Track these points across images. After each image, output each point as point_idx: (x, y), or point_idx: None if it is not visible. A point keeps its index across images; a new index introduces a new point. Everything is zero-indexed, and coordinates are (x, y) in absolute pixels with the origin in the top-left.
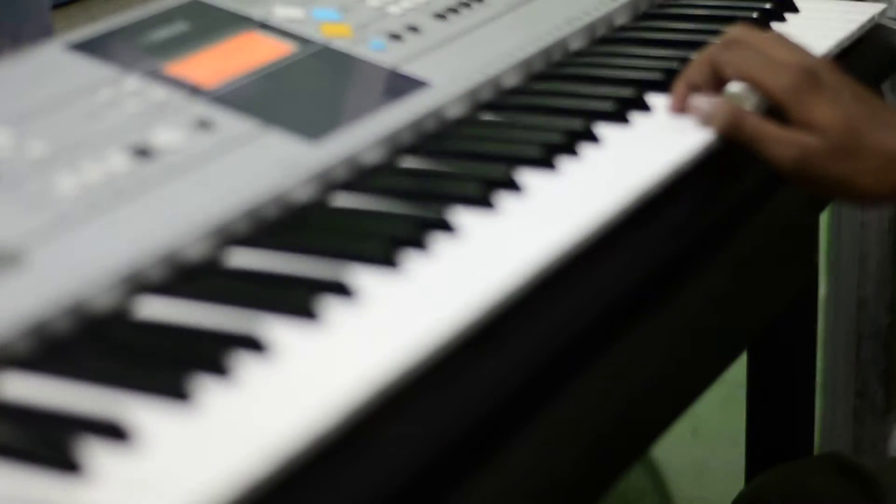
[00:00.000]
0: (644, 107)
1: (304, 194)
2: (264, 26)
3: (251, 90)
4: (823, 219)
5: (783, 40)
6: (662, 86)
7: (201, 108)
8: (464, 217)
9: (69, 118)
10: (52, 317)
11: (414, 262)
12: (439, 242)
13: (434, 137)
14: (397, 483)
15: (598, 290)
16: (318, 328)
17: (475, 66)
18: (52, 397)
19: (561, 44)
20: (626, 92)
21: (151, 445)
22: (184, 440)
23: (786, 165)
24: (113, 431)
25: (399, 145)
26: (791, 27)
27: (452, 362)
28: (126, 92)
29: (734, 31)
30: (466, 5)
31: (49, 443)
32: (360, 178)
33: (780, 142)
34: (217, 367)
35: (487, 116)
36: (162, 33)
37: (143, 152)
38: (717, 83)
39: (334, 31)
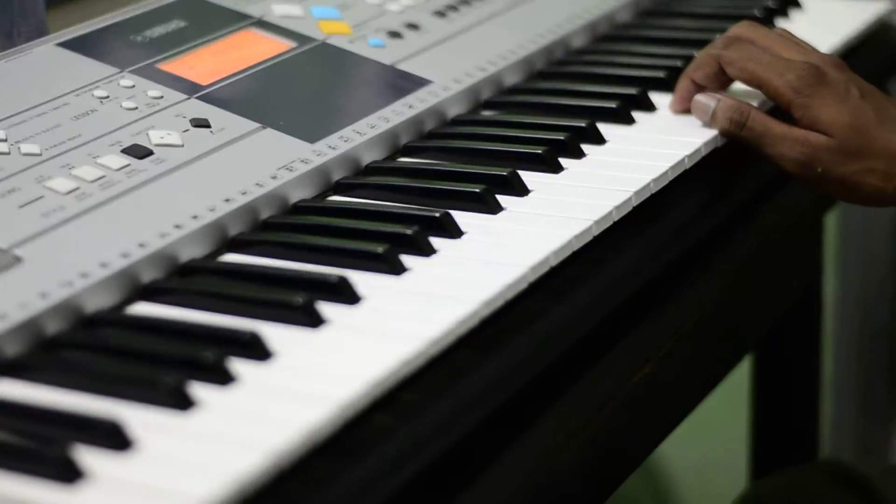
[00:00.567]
0: (647, 105)
1: (301, 193)
2: (262, 24)
3: (248, 88)
4: (832, 220)
5: (788, 37)
6: (665, 84)
7: (197, 107)
8: (464, 217)
9: (64, 116)
10: (46, 316)
11: (413, 263)
12: (438, 243)
13: (434, 136)
14: (394, 488)
15: (600, 290)
16: (315, 333)
17: (476, 65)
18: (45, 399)
19: (563, 42)
20: (629, 90)
21: (146, 449)
22: (179, 445)
23: (791, 165)
24: (108, 434)
25: (398, 144)
26: (798, 26)
27: (450, 364)
28: (121, 90)
29: (738, 28)
30: (467, 3)
31: (43, 447)
32: (359, 177)
33: (786, 141)
34: (213, 371)
35: (488, 115)
36: (157, 31)
37: (138, 151)
38: (720, 81)
39: (333, 29)
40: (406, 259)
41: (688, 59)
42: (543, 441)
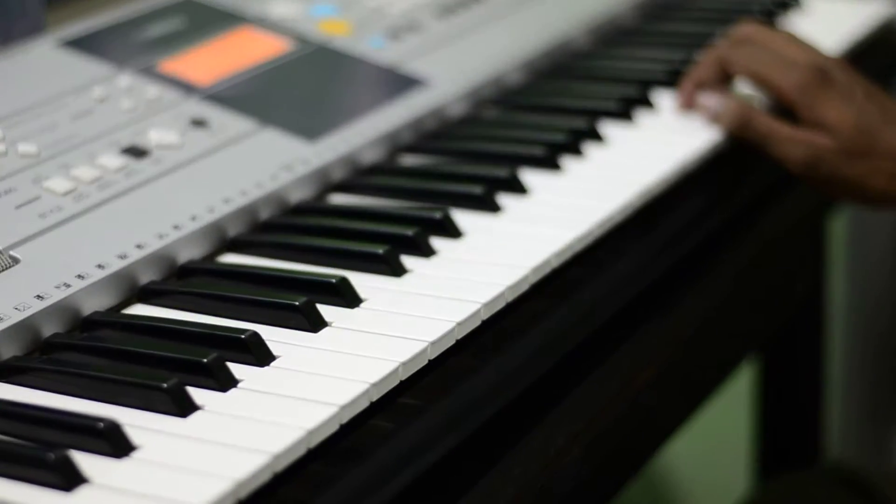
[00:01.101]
0: (650, 105)
1: (301, 194)
2: (261, 23)
3: (247, 88)
4: (839, 223)
5: (793, 38)
6: (669, 84)
7: (196, 107)
8: (464, 217)
9: (62, 116)
10: (43, 318)
11: (413, 264)
12: (439, 244)
13: (435, 136)
14: (393, 492)
15: (601, 292)
16: (315, 335)
17: (477, 65)
18: (42, 402)
19: (565, 42)
20: (632, 90)
21: (144, 454)
22: (177, 449)
23: (796, 165)
24: (106, 439)
25: (398, 144)
26: (802, 27)
27: (450, 366)
28: (119, 90)
29: (743, 28)
30: (467, 3)
31: (41, 452)
32: (358, 177)
33: (791, 141)
34: (212, 374)
35: (490, 115)
36: (156, 30)
37: (136, 151)
38: (725, 81)
39: (332, 28)
40: (406, 260)
41: (691, 60)
42: (545, 445)
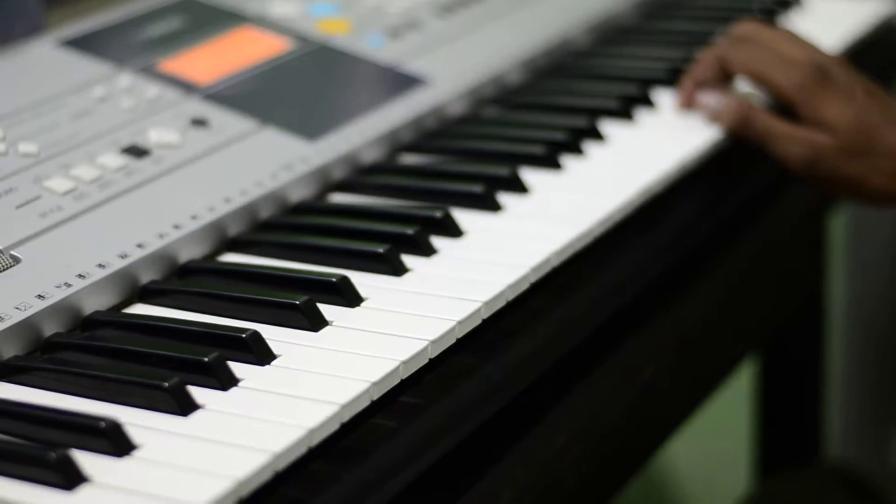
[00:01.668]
0: (650, 104)
1: (301, 193)
2: (260, 22)
3: (247, 87)
4: (839, 222)
5: (793, 36)
6: (669, 83)
7: (196, 106)
8: (465, 216)
9: (62, 116)
10: (44, 318)
11: (414, 263)
12: (439, 243)
13: (435, 135)
14: (394, 491)
15: (602, 291)
16: (316, 334)
17: (477, 64)
18: (43, 402)
19: (565, 41)
20: (632, 89)
21: (145, 453)
22: (178, 449)
23: (796, 164)
24: (107, 438)
25: (399, 143)
26: (801, 25)
27: (451, 365)
28: (119, 89)
29: (743, 26)
30: (467, 2)
31: (42, 451)
32: (358, 176)
33: (791, 140)
34: (212, 373)
35: (490, 114)
36: (156, 30)
37: (136, 150)
38: (725, 80)
39: (332, 28)
40: (407, 259)
41: (691, 59)
42: (545, 444)
